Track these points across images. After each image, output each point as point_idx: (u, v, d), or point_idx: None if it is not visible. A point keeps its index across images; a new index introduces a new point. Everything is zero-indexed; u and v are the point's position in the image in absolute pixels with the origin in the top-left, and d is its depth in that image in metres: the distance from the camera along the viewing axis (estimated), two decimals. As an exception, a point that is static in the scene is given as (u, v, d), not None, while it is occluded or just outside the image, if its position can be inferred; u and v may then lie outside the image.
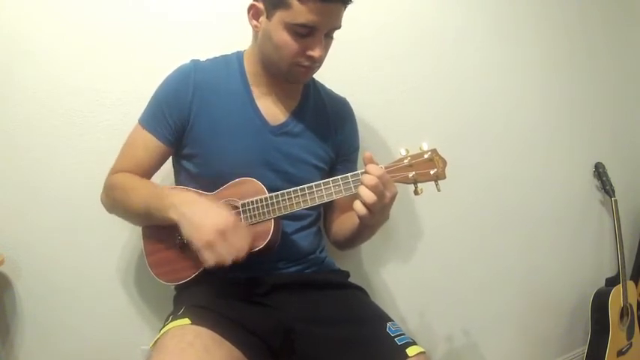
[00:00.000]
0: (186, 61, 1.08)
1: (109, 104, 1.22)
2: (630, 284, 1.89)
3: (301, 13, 0.91)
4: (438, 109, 1.56)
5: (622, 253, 1.84)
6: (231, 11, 1.28)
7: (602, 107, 1.96)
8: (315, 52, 0.96)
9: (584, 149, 1.92)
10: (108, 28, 1.21)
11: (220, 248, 0.86)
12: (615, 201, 1.86)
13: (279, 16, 0.94)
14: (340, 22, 0.98)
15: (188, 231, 0.89)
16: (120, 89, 1.22)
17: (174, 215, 0.91)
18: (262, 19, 0.98)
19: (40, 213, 1.20)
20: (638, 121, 2.10)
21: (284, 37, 0.95)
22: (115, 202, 1.05)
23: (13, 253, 1.18)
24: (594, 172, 1.94)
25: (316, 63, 0.99)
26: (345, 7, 0.97)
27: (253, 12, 1.00)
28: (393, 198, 0.90)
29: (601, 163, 1.92)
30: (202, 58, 1.10)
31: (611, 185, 1.88)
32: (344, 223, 1.14)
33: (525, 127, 1.75)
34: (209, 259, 0.86)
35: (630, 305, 1.84)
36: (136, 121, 1.08)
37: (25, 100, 1.17)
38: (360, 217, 0.90)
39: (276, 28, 0.95)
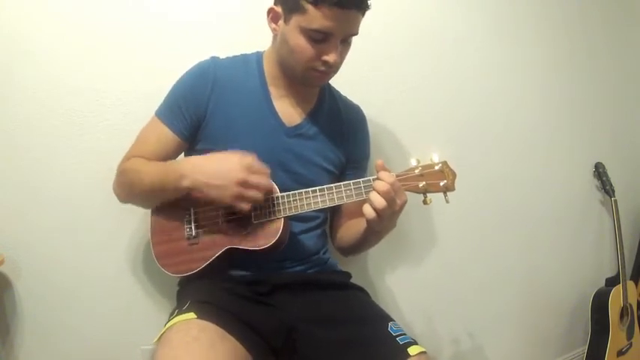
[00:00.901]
0: (189, 61, 1.09)
1: (109, 104, 1.22)
2: (630, 284, 1.89)
3: (316, 19, 0.92)
4: (437, 109, 1.56)
5: (622, 253, 1.84)
6: (231, 11, 1.28)
7: (602, 107, 1.96)
8: (330, 58, 0.96)
9: (584, 149, 1.92)
10: (108, 28, 1.21)
11: (248, 194, 0.92)
12: (615, 201, 1.86)
13: (296, 20, 0.94)
14: (357, 28, 0.98)
15: (209, 194, 0.93)
16: (120, 89, 1.22)
17: (188, 184, 0.94)
18: (280, 22, 0.99)
19: (40, 213, 1.19)
20: (638, 121, 2.10)
21: (299, 42, 0.96)
22: (127, 184, 1.05)
23: (13, 253, 1.18)
24: (594, 172, 1.94)
25: (332, 68, 1.00)
26: (363, 14, 0.97)
27: (272, 15, 1.01)
28: (402, 205, 0.92)
29: (601, 163, 1.93)
30: (221, 56, 1.10)
31: (611, 185, 1.88)
32: (350, 229, 1.15)
33: (525, 127, 1.75)
34: (244, 207, 0.93)
35: (630, 305, 1.84)
36: (136, 122, 1.08)
37: (25, 100, 1.17)
38: (369, 222, 0.92)
39: (293, 32, 0.96)
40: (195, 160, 0.99)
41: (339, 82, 1.22)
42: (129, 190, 1.06)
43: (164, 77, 1.08)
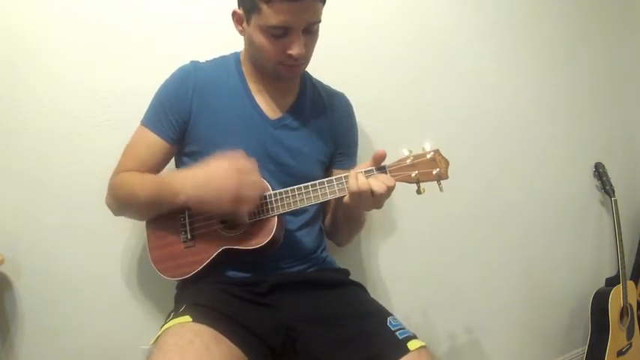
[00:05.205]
0: (186, 61, 1.10)
1: (109, 104, 1.22)
2: (630, 284, 1.89)
3: (271, 16, 0.92)
4: (435, 107, 1.56)
5: (622, 253, 1.84)
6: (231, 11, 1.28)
7: (601, 107, 1.96)
8: (294, 51, 0.96)
9: (584, 149, 1.92)
10: (108, 28, 1.21)
11: (245, 194, 0.91)
12: (615, 201, 1.86)
13: (255, 20, 0.96)
14: (317, 16, 0.97)
15: (207, 208, 0.94)
16: (120, 89, 1.22)
17: (183, 200, 0.94)
18: (244, 24, 1.00)
19: (40, 212, 1.20)
20: (637, 121, 2.10)
21: (261, 40, 0.97)
22: (120, 200, 1.06)
23: (13, 252, 1.18)
24: (594, 172, 1.94)
25: (300, 60, 1.00)
26: (324, 1, 0.97)
27: (237, 18, 1.02)
28: (388, 193, 0.91)
29: (601, 163, 1.93)
30: (201, 60, 1.12)
31: (611, 185, 1.88)
32: (334, 213, 1.18)
33: (524, 127, 1.75)
34: (245, 209, 0.92)
35: (630, 305, 1.84)
36: (136, 121, 1.08)
37: (26, 100, 1.17)
38: (351, 194, 0.93)
39: (255, 32, 0.97)
40: (185, 173, 0.99)
41: (335, 80, 1.23)
42: (124, 205, 1.07)
43: (165, 78, 1.08)
